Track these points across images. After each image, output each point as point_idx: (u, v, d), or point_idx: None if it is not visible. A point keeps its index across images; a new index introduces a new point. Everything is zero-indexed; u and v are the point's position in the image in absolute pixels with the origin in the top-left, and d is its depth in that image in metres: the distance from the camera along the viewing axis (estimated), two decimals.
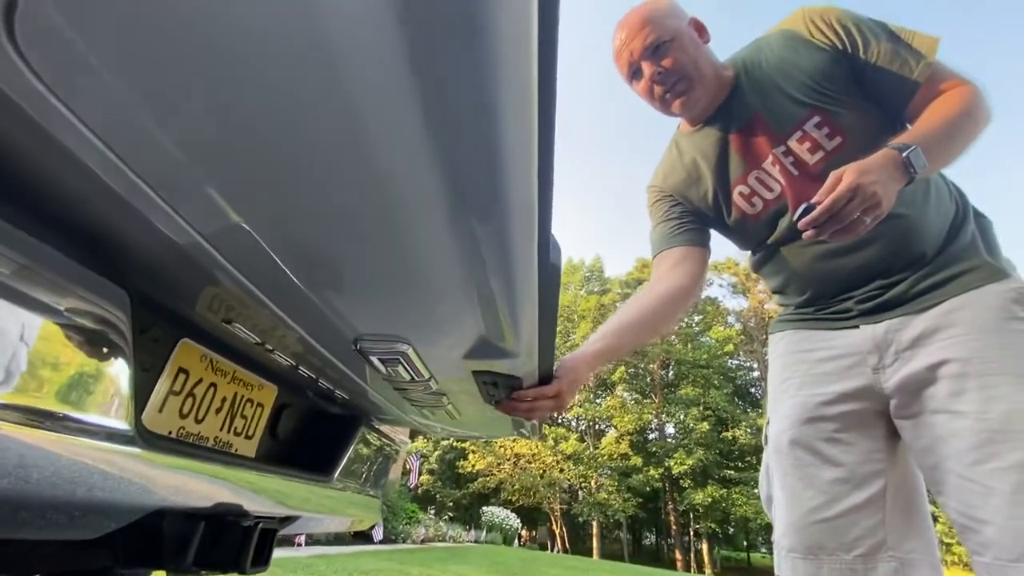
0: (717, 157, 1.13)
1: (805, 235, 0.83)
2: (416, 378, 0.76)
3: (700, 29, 1.11)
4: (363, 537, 8.38)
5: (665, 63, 1.05)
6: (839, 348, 1.03)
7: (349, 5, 0.26)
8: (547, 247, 0.47)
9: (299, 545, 6.00)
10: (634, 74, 1.10)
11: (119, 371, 0.50)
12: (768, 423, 1.11)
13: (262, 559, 0.76)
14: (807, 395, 1.03)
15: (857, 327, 1.01)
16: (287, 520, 1.01)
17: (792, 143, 1.02)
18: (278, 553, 4.99)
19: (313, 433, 1.16)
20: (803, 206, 0.83)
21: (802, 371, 1.06)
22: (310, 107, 0.33)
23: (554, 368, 0.96)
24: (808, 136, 1.00)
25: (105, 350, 0.48)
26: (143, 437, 0.55)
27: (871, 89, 0.99)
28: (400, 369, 0.72)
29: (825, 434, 0.99)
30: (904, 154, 0.83)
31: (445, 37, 0.27)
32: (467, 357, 0.71)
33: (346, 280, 0.55)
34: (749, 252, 1.23)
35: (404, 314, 0.60)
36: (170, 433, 0.72)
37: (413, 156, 0.36)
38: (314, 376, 0.94)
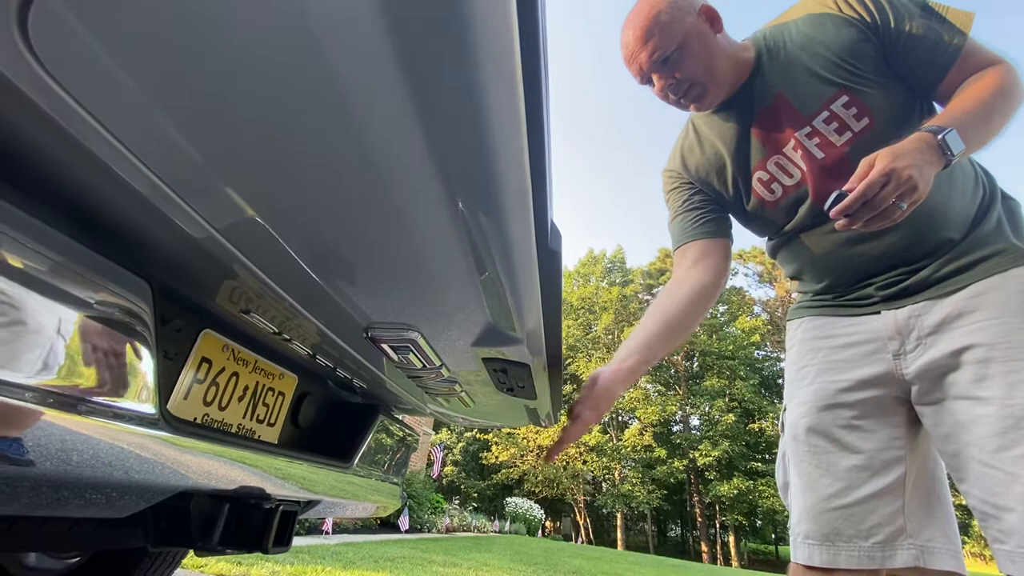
0: (736, 141, 1.09)
1: (837, 224, 0.81)
2: (427, 365, 0.78)
3: (712, 19, 1.05)
4: (389, 526, 8.56)
5: (676, 75, 1.03)
6: (859, 334, 1.00)
7: (357, 9, 0.27)
8: (545, 233, 0.47)
9: (327, 533, 6.15)
10: (646, 79, 1.08)
11: (143, 359, 0.53)
12: (785, 410, 1.10)
13: (283, 539, 0.79)
14: (825, 382, 1.01)
15: (878, 313, 0.98)
16: (310, 504, 1.05)
17: (818, 123, 0.98)
18: (307, 540, 5.13)
19: (333, 421, 1.19)
20: (835, 194, 0.80)
21: (820, 358, 1.05)
22: (321, 109, 0.34)
23: (585, 375, 0.97)
24: (835, 116, 0.97)
25: (129, 340, 0.51)
26: (169, 423, 0.58)
27: (902, 66, 0.95)
28: (411, 356, 0.74)
29: (843, 421, 0.97)
30: (939, 136, 0.80)
31: (432, 36, 0.29)
32: (476, 344, 0.72)
33: (355, 270, 0.57)
34: (765, 238, 1.20)
35: (411, 302, 0.62)
36: (195, 419, 0.76)
37: (412, 151, 0.38)
38: (332, 365, 0.97)
